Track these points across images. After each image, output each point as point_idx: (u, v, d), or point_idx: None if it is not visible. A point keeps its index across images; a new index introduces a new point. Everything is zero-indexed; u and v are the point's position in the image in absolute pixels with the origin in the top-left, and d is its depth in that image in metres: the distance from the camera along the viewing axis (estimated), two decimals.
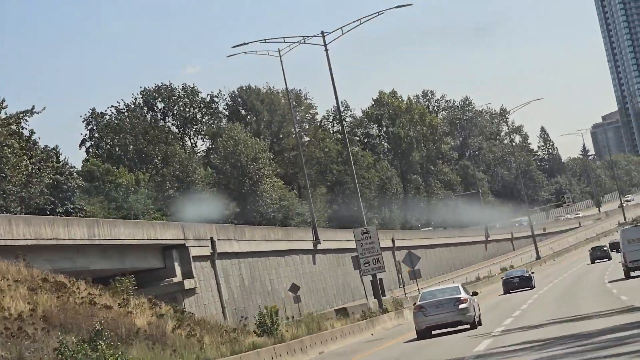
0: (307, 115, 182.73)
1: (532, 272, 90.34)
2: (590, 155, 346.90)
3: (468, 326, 42.35)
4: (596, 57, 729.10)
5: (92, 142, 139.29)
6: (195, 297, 66.52)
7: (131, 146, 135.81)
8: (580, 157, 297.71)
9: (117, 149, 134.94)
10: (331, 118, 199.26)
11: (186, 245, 65.75)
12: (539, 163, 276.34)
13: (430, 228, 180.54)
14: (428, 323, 42.21)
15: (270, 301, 75.45)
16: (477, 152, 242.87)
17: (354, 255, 71.05)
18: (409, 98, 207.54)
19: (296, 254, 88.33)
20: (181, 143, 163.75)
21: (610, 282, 64.52)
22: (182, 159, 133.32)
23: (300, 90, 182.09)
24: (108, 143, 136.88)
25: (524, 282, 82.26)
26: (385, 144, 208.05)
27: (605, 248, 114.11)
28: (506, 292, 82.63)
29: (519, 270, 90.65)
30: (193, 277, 65.96)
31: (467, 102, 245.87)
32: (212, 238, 70.14)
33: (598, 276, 78.96)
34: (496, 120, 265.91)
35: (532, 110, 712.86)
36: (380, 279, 72.39)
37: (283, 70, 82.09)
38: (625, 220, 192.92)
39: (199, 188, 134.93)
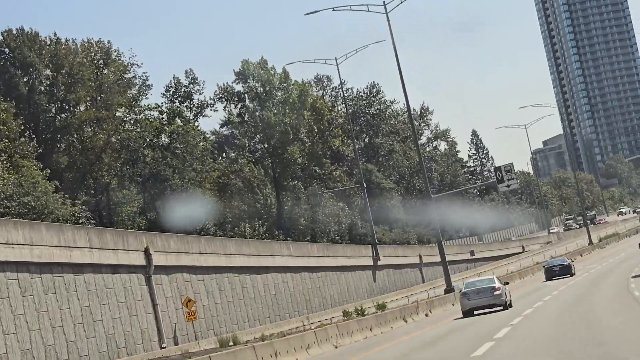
0: (119, 79, 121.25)
1: (572, 261, 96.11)
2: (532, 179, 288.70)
3: (501, 308, 52.78)
4: (541, 80, 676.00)
5: None
6: None
7: None
8: (522, 172, 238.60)
9: None
10: (171, 92, 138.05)
11: None
12: (469, 176, 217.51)
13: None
14: (471, 305, 52.73)
15: None
16: (386, 157, 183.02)
17: None
18: (284, 70, 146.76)
19: None
20: None
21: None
22: None
23: (109, 42, 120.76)
24: None
25: (565, 270, 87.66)
26: (252, 134, 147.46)
27: None
28: (548, 279, 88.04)
29: (559, 259, 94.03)
30: None
31: (375, 90, 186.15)
32: None
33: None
34: (417, 122, 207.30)
35: (464, 130, 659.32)
36: None
37: None
38: (591, 241, 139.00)
39: None
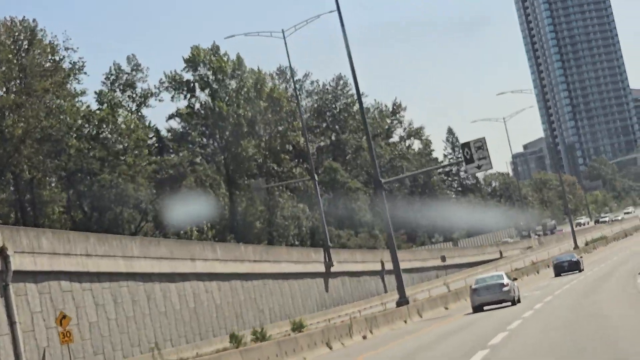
0: (46, 61, 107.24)
1: (581, 257, 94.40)
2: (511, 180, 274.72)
3: (510, 303, 55.56)
4: (522, 80, 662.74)
5: None
6: None
7: None
8: (502, 174, 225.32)
9: None
10: (111, 80, 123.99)
11: None
12: (445, 178, 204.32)
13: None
14: (480, 301, 55.95)
15: None
16: (354, 155, 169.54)
17: None
18: (238, 57, 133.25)
19: None
20: None
21: None
22: None
23: (34, 20, 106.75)
24: None
25: (573, 266, 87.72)
26: (202, 127, 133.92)
27: None
28: (557, 274, 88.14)
29: (567, 255, 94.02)
30: None
31: (343, 83, 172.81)
32: None
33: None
34: (388, 120, 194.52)
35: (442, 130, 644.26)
36: None
37: None
38: (576, 246, 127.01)
39: None
